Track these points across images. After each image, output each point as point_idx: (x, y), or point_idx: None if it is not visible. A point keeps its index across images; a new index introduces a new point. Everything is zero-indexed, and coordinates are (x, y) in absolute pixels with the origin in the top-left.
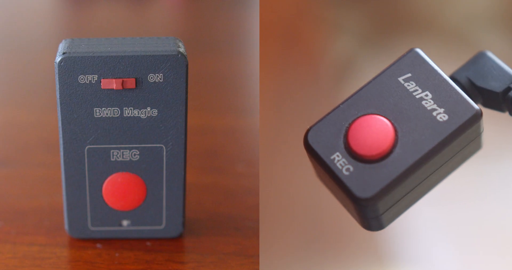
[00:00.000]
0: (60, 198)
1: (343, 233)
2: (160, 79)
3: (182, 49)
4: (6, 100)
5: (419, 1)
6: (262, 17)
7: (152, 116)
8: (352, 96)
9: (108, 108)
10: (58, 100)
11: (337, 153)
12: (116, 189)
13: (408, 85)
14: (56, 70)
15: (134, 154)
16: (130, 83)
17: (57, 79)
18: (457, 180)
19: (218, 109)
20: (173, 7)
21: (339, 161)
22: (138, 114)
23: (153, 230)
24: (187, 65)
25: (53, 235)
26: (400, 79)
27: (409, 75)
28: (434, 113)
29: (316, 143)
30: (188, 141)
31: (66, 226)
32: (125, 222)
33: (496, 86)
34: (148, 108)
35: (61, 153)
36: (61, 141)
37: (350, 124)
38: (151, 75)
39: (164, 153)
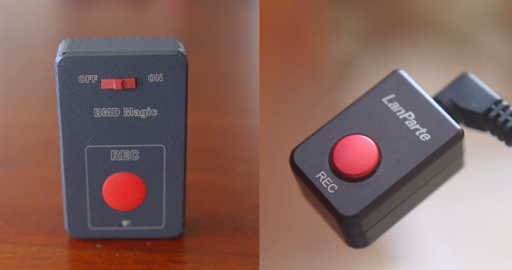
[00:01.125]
0: (60, 198)
1: None
2: (160, 79)
3: (182, 49)
4: (6, 100)
5: (420, 1)
6: (262, 17)
7: (152, 116)
8: (337, 116)
9: (108, 108)
10: (58, 100)
11: (322, 172)
12: (116, 189)
13: (392, 106)
14: (56, 70)
15: (134, 154)
16: (130, 83)
17: (57, 79)
18: (457, 182)
19: (218, 109)
20: (173, 7)
21: (324, 180)
22: (138, 114)
23: (153, 230)
24: (187, 65)
25: (53, 235)
26: (384, 99)
27: (393, 95)
28: (417, 133)
29: (302, 162)
30: (188, 141)
31: (66, 226)
32: (125, 222)
33: (478, 107)
34: (148, 108)
35: (61, 153)
36: (61, 141)
37: (335, 144)
38: (151, 75)
39: (164, 153)
